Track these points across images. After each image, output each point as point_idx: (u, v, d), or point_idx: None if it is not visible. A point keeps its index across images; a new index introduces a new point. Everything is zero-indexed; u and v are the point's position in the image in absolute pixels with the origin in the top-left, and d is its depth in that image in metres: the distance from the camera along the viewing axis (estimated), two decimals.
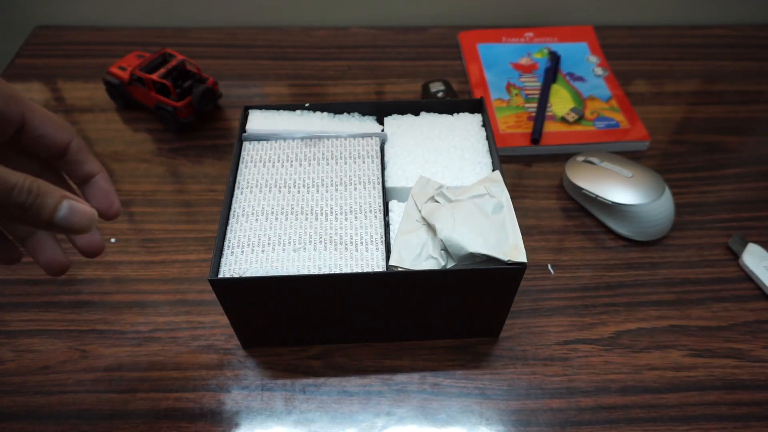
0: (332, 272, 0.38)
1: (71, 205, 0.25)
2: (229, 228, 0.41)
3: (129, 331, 0.46)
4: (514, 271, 0.38)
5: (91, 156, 0.30)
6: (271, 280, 0.37)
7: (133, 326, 0.46)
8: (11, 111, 0.26)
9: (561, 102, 0.65)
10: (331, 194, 0.44)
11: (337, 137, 0.48)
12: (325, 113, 0.49)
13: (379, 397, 0.43)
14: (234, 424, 0.41)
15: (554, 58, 0.69)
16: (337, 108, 0.50)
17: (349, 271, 0.39)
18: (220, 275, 0.38)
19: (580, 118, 0.63)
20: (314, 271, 0.39)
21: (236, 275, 0.38)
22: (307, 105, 0.49)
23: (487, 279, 0.39)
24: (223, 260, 0.39)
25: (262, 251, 0.40)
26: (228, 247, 0.40)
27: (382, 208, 0.43)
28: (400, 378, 0.44)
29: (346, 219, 0.42)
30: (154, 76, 0.59)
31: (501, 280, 0.39)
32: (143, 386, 0.43)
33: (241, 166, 0.46)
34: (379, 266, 0.39)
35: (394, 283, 0.39)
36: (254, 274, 0.38)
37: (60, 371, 0.44)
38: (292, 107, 0.49)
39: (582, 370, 0.44)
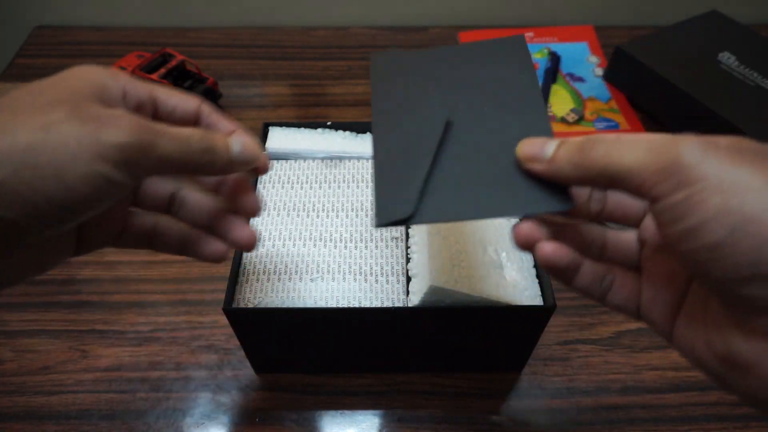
0: (351, 305, 0.37)
1: (239, 140, 0.26)
2: (244, 254, 0.40)
3: (129, 331, 0.46)
4: (543, 309, 0.36)
5: (223, 115, 0.30)
6: (286, 312, 0.36)
7: (133, 326, 0.46)
8: (139, 92, 0.26)
9: (561, 102, 0.65)
10: (351, 220, 0.42)
11: (359, 158, 0.46)
12: (347, 132, 0.47)
13: (380, 397, 0.43)
14: (234, 424, 0.41)
15: (554, 59, 0.69)
16: (359, 127, 0.47)
17: (368, 304, 0.37)
18: (235, 304, 0.37)
19: (580, 119, 0.63)
20: (332, 303, 0.37)
21: (251, 305, 0.37)
22: (328, 123, 0.47)
23: (514, 317, 0.37)
24: (237, 288, 0.38)
25: (278, 280, 0.38)
26: (243, 274, 0.39)
27: (404, 237, 0.41)
28: (401, 378, 0.44)
29: (366, 247, 0.40)
30: (154, 76, 0.59)
31: (528, 319, 0.37)
32: (143, 386, 0.43)
33: (259, 186, 0.44)
34: (400, 300, 0.37)
35: (416, 319, 0.37)
36: (269, 305, 0.37)
37: (60, 371, 0.44)
38: (313, 125, 0.47)
39: (582, 370, 0.44)
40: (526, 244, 0.25)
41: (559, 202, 0.24)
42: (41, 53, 0.73)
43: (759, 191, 0.18)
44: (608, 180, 0.21)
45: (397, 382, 0.43)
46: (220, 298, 0.37)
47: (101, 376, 0.44)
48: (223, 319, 0.46)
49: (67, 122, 0.21)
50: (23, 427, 0.41)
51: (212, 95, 0.62)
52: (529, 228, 0.25)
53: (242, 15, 0.78)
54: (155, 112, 0.27)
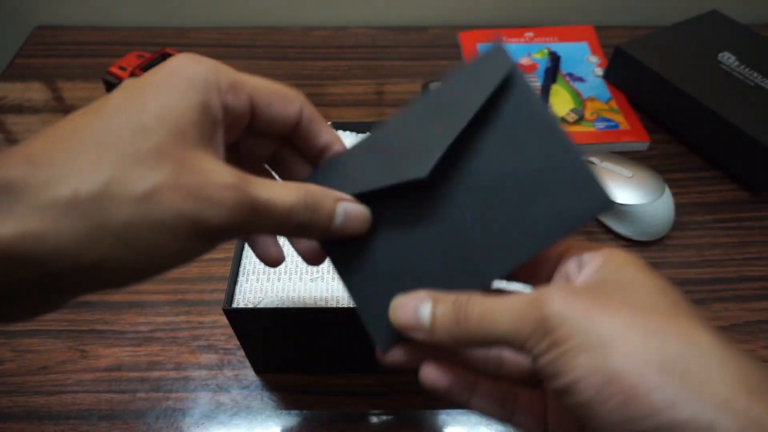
0: (350, 305, 0.37)
1: (346, 210, 0.24)
2: (244, 254, 0.40)
3: (129, 331, 0.46)
4: None
5: (324, 124, 0.28)
6: (286, 312, 0.36)
7: (133, 326, 0.46)
8: (241, 103, 0.24)
9: (561, 102, 0.65)
10: None
11: None
12: (348, 132, 0.47)
13: (380, 397, 0.43)
14: (234, 424, 0.41)
15: (554, 59, 0.69)
16: (359, 127, 0.46)
17: None
18: (235, 304, 0.37)
19: (580, 119, 0.63)
20: (332, 303, 0.37)
21: (251, 305, 0.37)
22: (328, 123, 0.47)
23: None
24: (237, 287, 0.38)
25: (278, 280, 0.38)
26: (243, 274, 0.39)
27: None
28: (401, 378, 0.44)
29: None
30: None
31: None
32: (143, 386, 0.43)
33: None
34: None
35: None
36: (269, 305, 0.37)
37: (60, 371, 0.44)
38: None
39: None
40: (397, 367, 0.25)
41: (383, 343, 0.24)
42: (41, 53, 0.73)
43: (621, 343, 0.18)
44: (490, 345, 0.21)
45: (397, 382, 0.43)
46: (220, 298, 0.37)
47: (101, 376, 0.44)
48: (223, 319, 0.46)
49: (169, 192, 0.19)
50: (23, 427, 0.41)
51: None
52: (399, 354, 0.25)
53: (242, 15, 0.78)
54: (252, 121, 0.25)
